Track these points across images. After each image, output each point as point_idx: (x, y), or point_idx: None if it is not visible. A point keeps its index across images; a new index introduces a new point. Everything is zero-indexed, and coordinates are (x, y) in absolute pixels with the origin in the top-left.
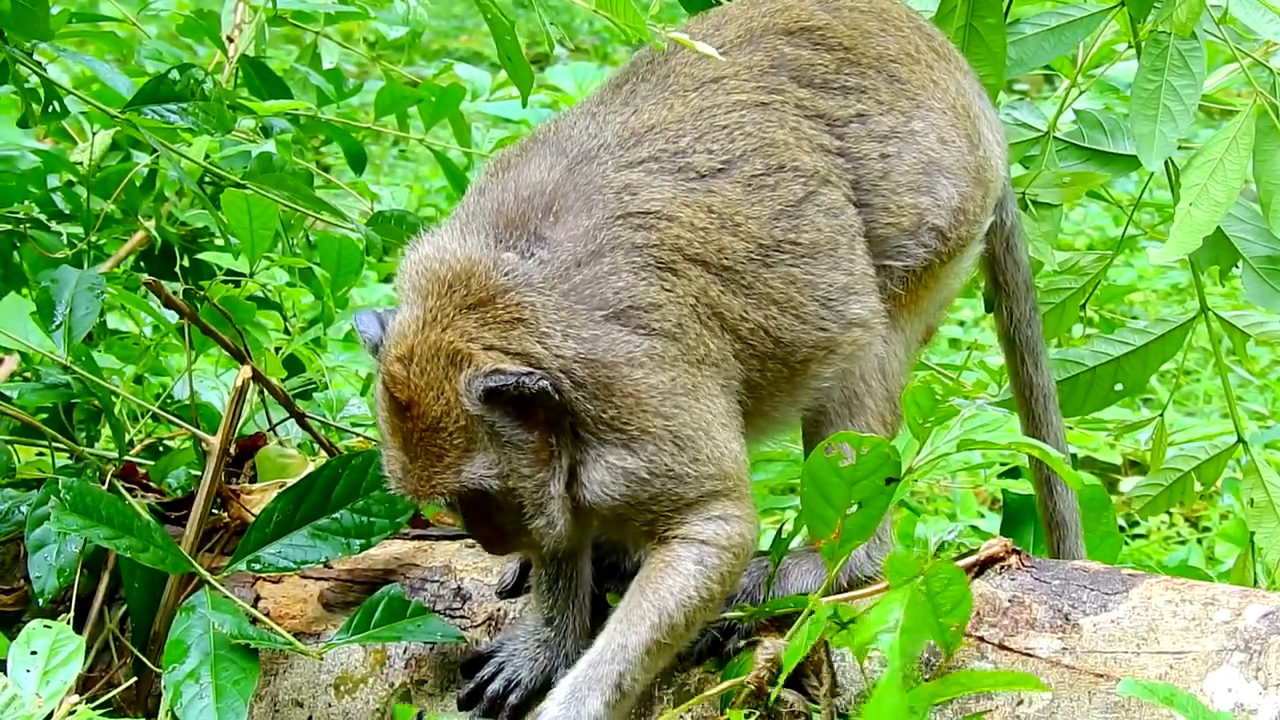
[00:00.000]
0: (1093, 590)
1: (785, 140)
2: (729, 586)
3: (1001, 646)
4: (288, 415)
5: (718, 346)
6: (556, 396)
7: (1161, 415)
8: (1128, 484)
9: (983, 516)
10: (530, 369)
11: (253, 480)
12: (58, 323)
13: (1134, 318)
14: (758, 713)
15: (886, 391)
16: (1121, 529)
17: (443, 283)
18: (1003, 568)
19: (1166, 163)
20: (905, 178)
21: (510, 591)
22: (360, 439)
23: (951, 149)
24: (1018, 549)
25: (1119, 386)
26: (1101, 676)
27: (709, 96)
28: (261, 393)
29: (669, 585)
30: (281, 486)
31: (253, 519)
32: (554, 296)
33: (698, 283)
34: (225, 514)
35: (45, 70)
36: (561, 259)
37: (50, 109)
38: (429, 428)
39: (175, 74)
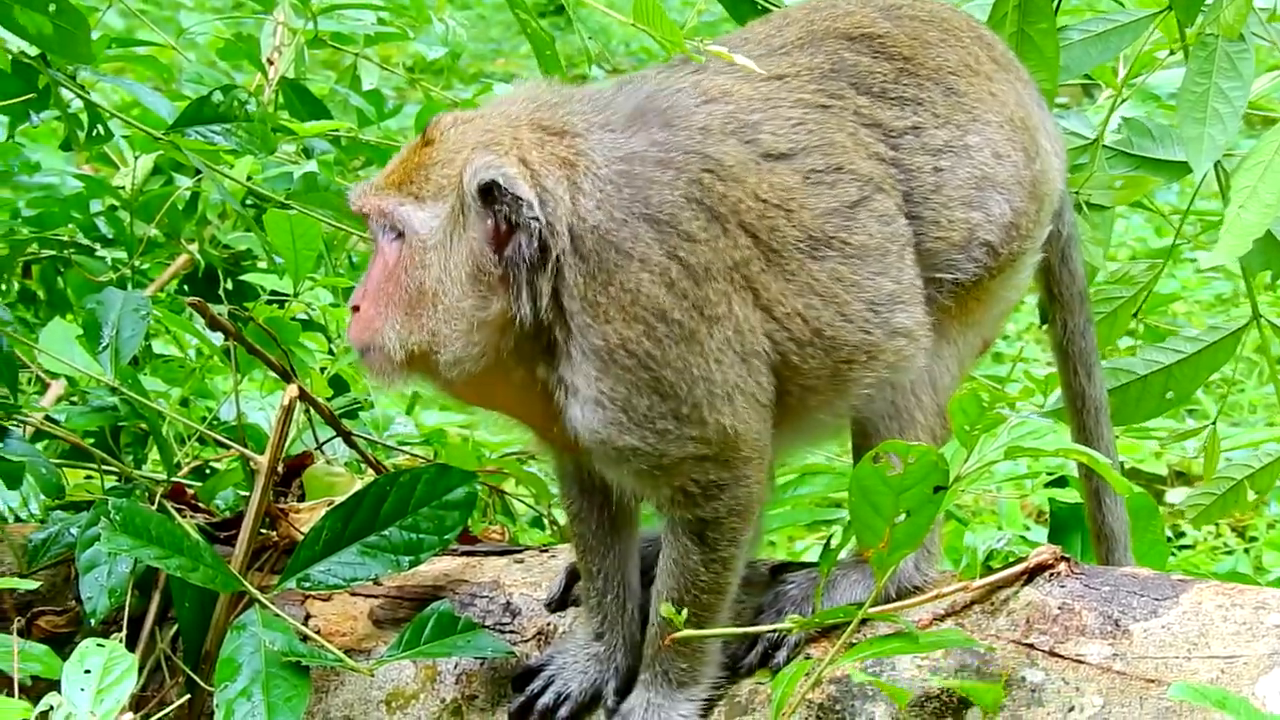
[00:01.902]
0: (1143, 596)
1: (844, 144)
2: (740, 544)
3: (1052, 653)
4: (334, 434)
5: (744, 316)
6: (536, 245)
7: (1214, 424)
8: (1174, 495)
9: (1028, 529)
10: (538, 206)
11: (301, 499)
12: (104, 344)
13: (1177, 327)
14: None
15: (937, 405)
16: (1168, 540)
17: (536, 99)
18: (1052, 575)
19: (1214, 168)
20: (958, 193)
21: (558, 604)
22: (408, 457)
23: (1006, 164)
24: (1067, 556)
25: (1170, 395)
26: (1153, 682)
27: (774, 89)
28: (308, 412)
29: (686, 580)
30: (330, 504)
31: (301, 537)
32: (609, 170)
33: (743, 251)
34: (274, 533)
35: (88, 94)
36: (632, 148)
37: (95, 133)
38: (423, 164)
39: (219, 95)
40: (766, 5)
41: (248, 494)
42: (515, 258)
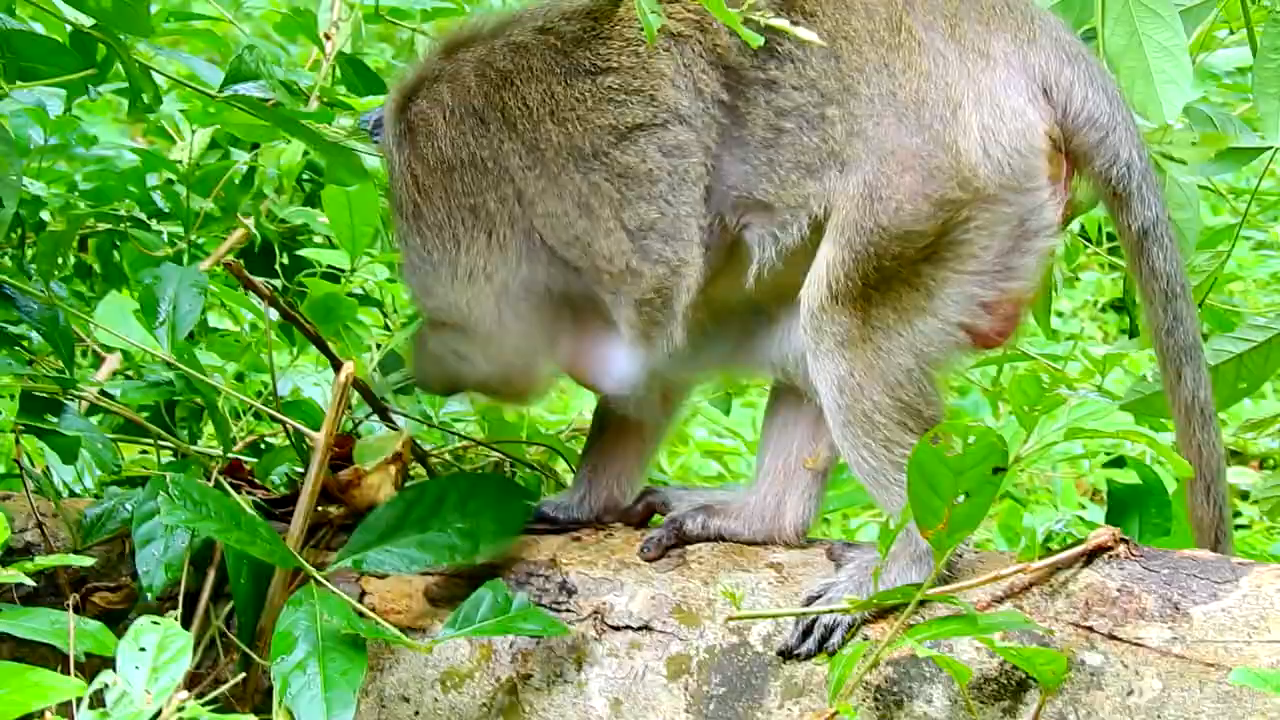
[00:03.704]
0: (1202, 579)
1: (662, 71)
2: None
3: (1111, 636)
4: (371, 411)
5: (510, 209)
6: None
7: None
8: (1230, 475)
9: (1084, 507)
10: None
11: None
12: (161, 320)
13: (1234, 308)
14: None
15: (899, 402)
16: None
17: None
18: (1111, 557)
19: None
20: (794, 157)
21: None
22: (461, 439)
23: (863, 141)
24: (1126, 538)
25: (1243, 385)
26: (1213, 666)
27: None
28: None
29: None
30: (392, 460)
31: (373, 503)
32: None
33: (497, 139)
34: (330, 508)
35: (134, 63)
36: (464, 59)
37: (139, 101)
38: None
39: (247, 55)
40: None
41: (302, 471)
42: None
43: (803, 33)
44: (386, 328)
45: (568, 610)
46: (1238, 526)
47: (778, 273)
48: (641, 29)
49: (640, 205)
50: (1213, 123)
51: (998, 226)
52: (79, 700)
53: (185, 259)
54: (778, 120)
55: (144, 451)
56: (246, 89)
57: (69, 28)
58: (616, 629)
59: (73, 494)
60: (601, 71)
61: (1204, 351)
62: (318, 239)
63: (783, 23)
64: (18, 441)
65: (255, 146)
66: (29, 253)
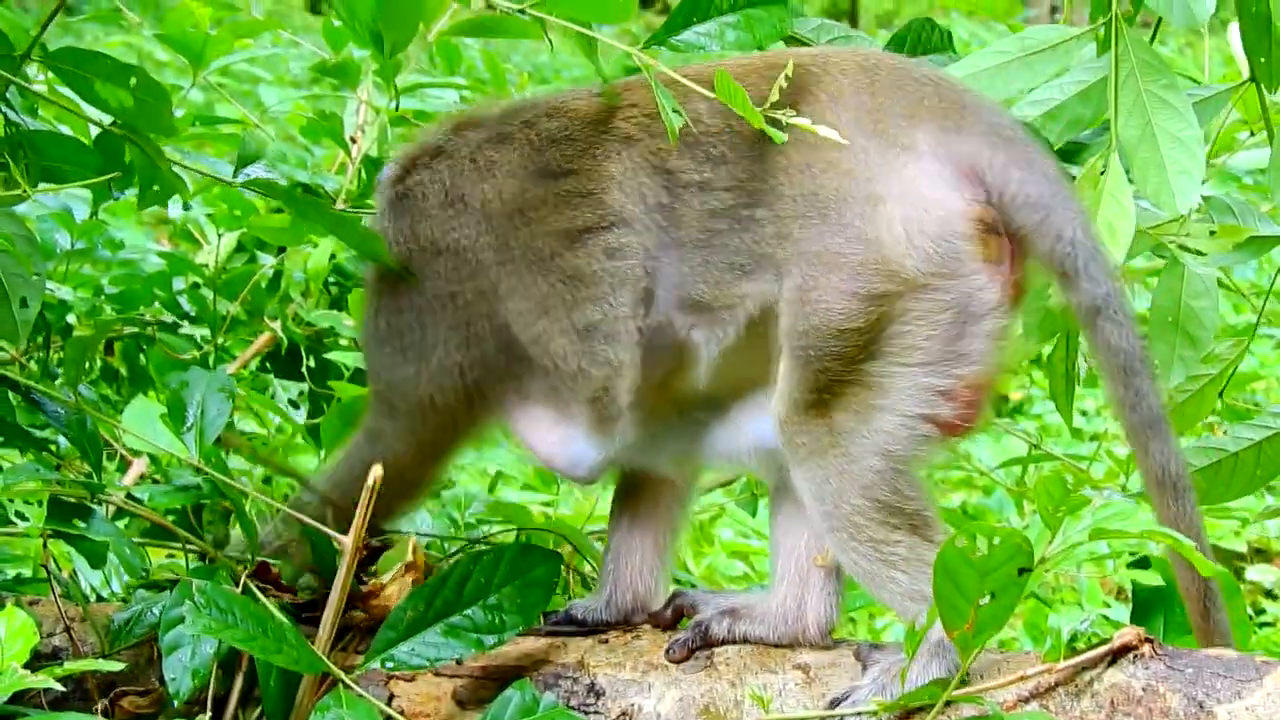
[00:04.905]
0: (1226, 678)
1: (611, 174)
2: (357, 494)
3: None
4: None
5: (481, 306)
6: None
7: None
8: (1253, 572)
9: (1108, 605)
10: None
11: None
12: (189, 425)
13: (1256, 404)
14: None
15: (877, 502)
16: (1249, 617)
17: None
18: (1136, 656)
19: None
20: (727, 258)
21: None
22: (486, 533)
23: (791, 242)
24: (1150, 637)
25: (1260, 472)
26: None
27: (609, 114)
28: None
29: (335, 461)
30: (406, 570)
31: (389, 613)
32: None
33: (475, 230)
34: (356, 613)
35: (163, 160)
36: (455, 143)
37: (150, 194)
38: None
39: (249, 139)
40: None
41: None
42: None
43: (823, 130)
44: None
45: (596, 712)
46: (1262, 624)
47: (725, 371)
48: (603, 131)
49: (587, 307)
50: (1233, 212)
51: (936, 315)
52: None
53: (212, 362)
54: (710, 222)
55: (171, 555)
56: (256, 170)
57: (94, 129)
58: None
59: (100, 598)
60: (564, 174)
61: (1171, 424)
62: (344, 342)
63: (804, 121)
64: (45, 546)
65: (282, 250)
66: (55, 357)
